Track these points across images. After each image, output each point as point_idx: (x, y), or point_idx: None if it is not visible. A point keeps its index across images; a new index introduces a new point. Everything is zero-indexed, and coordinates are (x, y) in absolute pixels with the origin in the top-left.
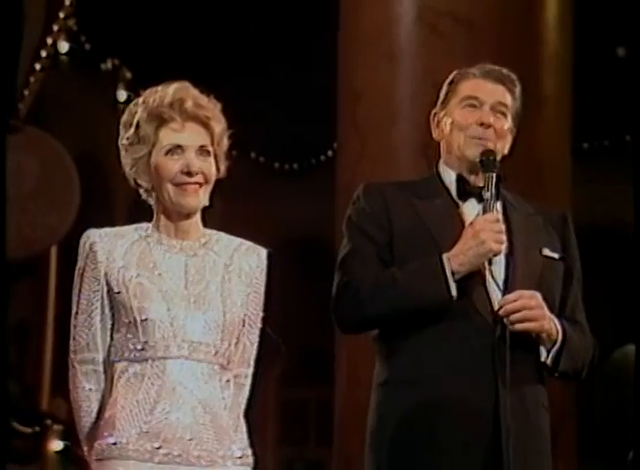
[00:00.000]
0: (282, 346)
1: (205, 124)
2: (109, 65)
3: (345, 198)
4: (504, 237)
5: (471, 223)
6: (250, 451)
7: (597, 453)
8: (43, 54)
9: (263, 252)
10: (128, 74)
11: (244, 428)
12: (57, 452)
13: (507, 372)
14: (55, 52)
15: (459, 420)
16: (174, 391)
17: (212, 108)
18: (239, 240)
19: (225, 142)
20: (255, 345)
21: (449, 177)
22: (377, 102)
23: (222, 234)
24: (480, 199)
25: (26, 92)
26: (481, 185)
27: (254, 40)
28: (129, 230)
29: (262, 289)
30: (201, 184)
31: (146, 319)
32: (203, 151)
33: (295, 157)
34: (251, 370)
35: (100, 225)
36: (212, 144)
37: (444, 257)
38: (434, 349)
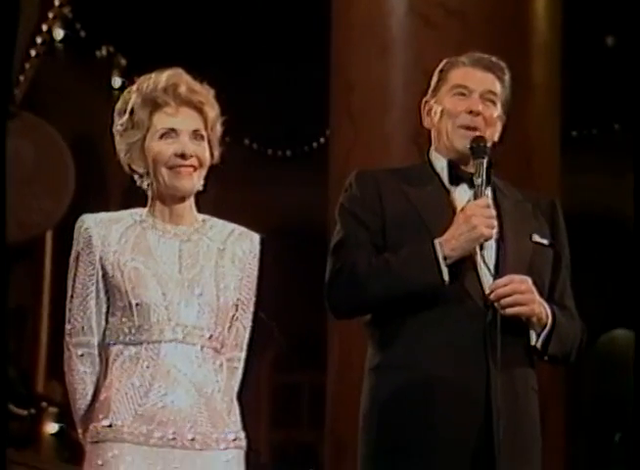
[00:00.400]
0: (275, 330)
1: (198, 109)
2: (103, 52)
3: (339, 184)
4: (495, 222)
5: (462, 209)
6: (243, 434)
7: (585, 434)
8: (39, 41)
9: (256, 237)
10: (123, 61)
11: (237, 411)
12: (52, 435)
13: (498, 355)
14: (50, 39)
15: (451, 403)
16: (169, 374)
17: (206, 93)
18: (232, 225)
19: (219, 128)
20: (248, 329)
21: (440, 164)
22: (370, 92)
23: (216, 219)
24: (472, 185)
25: (22, 78)
26: (472, 171)
27: (249, 27)
28: (124, 215)
29: (255, 274)
30: (195, 167)
31: (141, 303)
32: (196, 135)
33: (287, 144)
34: (243, 354)
35: (95, 210)
36: (206, 129)
37: (436, 242)
38: (426, 333)
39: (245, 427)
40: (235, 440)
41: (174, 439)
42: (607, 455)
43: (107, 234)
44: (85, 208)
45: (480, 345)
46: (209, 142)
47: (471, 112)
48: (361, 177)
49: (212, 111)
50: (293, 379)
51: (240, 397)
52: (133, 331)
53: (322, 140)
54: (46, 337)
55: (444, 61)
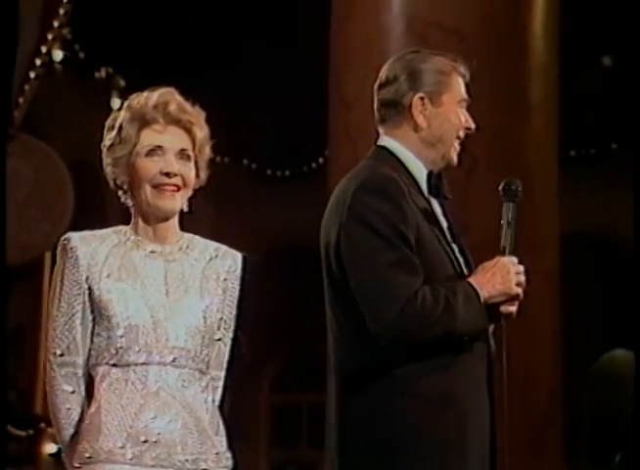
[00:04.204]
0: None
1: (187, 129)
2: (102, 73)
3: None
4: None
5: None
6: (229, 454)
7: (585, 455)
8: (38, 62)
9: (238, 256)
10: (122, 83)
11: (223, 430)
12: (51, 455)
13: (504, 388)
14: (49, 60)
15: (480, 436)
16: (158, 396)
17: (196, 114)
18: (215, 244)
19: (207, 151)
20: (229, 347)
21: (419, 173)
22: (368, 111)
23: (198, 238)
24: (445, 198)
25: (21, 100)
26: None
27: (247, 49)
28: (109, 233)
29: (237, 293)
30: (179, 187)
31: (129, 325)
32: (183, 154)
33: (287, 164)
34: (224, 373)
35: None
36: (194, 149)
37: (476, 287)
38: (459, 366)
39: (230, 445)
40: (222, 459)
41: (165, 459)
42: None
43: (93, 253)
44: (84, 229)
45: (485, 378)
46: (196, 163)
47: (468, 128)
48: (394, 185)
49: (201, 132)
50: (292, 399)
51: (223, 415)
52: (120, 352)
53: (321, 160)
54: (44, 358)
55: (448, 61)
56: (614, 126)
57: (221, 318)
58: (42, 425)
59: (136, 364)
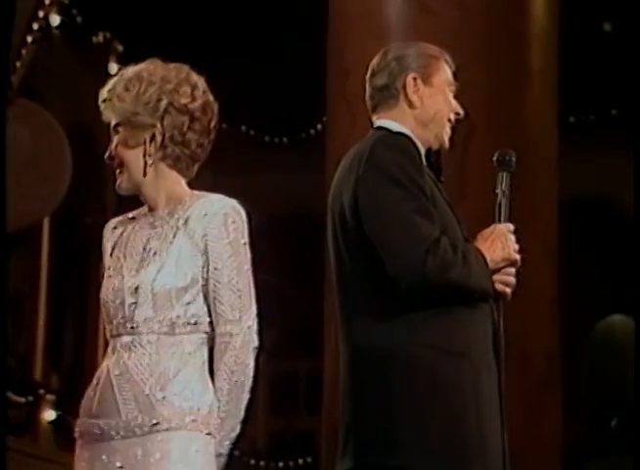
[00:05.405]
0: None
1: (110, 107)
2: (100, 38)
3: (336, 170)
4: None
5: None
6: (189, 418)
7: (582, 421)
8: (35, 27)
9: (221, 214)
10: (120, 47)
11: (199, 390)
12: (49, 422)
13: (502, 345)
14: (47, 25)
15: (490, 391)
16: (117, 365)
17: (120, 87)
18: (211, 201)
19: (144, 115)
20: (233, 300)
21: (420, 149)
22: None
23: (203, 196)
24: (437, 178)
25: (18, 64)
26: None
27: (245, 15)
28: (138, 213)
29: (228, 248)
30: (116, 166)
31: (104, 301)
32: (115, 131)
33: (284, 130)
34: (230, 327)
35: (91, 196)
36: (125, 121)
37: (484, 252)
38: (474, 324)
39: (198, 407)
40: (179, 421)
41: (106, 432)
42: (604, 441)
43: (109, 238)
44: (82, 194)
45: (491, 336)
46: (141, 127)
47: (457, 114)
48: (408, 144)
49: (121, 102)
50: (289, 366)
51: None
52: (107, 329)
53: (319, 127)
54: (43, 324)
55: (435, 48)
56: (613, 93)
57: (205, 276)
58: (41, 391)
59: (111, 337)
